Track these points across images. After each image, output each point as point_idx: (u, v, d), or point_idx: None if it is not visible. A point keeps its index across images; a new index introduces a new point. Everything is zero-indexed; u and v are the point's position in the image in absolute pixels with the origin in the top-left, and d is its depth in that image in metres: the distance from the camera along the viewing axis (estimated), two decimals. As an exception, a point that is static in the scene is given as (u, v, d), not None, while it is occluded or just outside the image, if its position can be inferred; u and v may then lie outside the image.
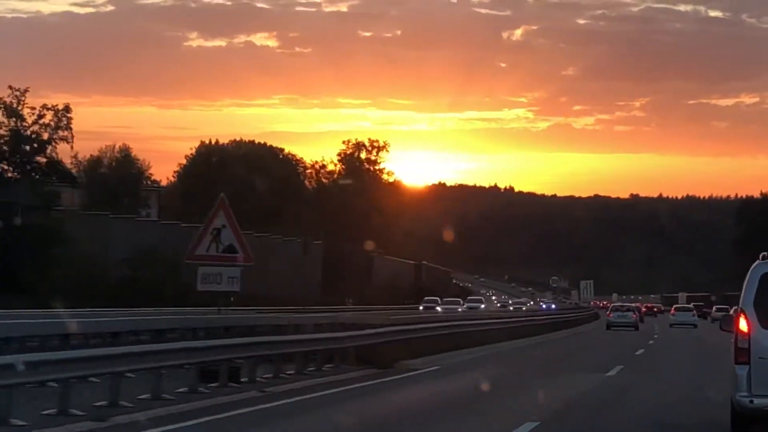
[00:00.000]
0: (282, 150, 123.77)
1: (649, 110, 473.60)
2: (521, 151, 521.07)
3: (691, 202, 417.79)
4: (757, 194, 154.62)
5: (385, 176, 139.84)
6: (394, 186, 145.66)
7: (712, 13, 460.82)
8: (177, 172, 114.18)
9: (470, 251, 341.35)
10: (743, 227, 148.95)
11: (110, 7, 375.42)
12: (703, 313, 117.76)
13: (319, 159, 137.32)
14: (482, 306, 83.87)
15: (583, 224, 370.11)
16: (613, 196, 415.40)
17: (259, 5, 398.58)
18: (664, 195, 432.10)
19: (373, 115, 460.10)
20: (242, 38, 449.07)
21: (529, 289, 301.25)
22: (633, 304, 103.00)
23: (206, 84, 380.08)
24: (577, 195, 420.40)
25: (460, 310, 77.14)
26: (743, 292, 17.73)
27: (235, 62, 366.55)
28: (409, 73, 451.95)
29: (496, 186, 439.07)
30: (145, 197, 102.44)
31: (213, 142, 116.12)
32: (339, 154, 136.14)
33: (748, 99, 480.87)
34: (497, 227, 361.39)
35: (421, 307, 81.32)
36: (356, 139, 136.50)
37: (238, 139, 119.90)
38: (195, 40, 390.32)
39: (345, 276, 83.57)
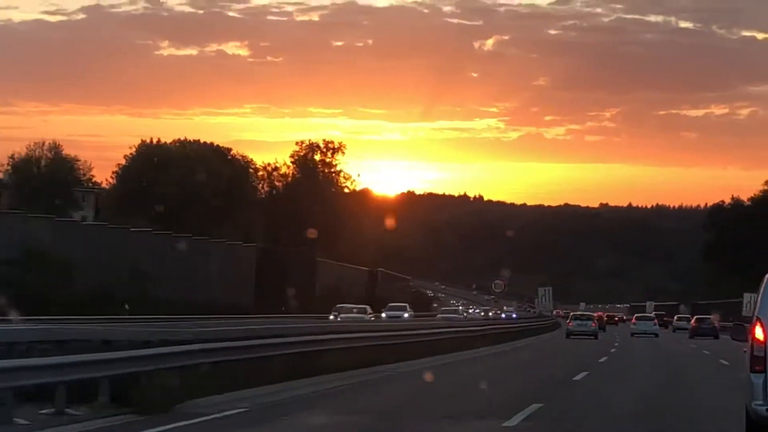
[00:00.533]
0: (230, 150, 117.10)
1: (619, 120, 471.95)
2: (492, 161, 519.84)
3: (660, 211, 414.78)
4: (727, 200, 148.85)
5: (342, 179, 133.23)
6: (358, 193, 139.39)
7: (683, 24, 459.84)
8: (116, 172, 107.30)
9: (438, 260, 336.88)
10: (713, 233, 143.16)
11: (81, 16, 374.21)
12: (664, 322, 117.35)
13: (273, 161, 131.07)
14: (406, 315, 73.42)
15: (552, 233, 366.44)
16: (583, 205, 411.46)
17: (231, 14, 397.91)
18: (634, 204, 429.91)
19: (344, 125, 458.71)
20: (213, 47, 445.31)
21: (492, 297, 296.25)
22: (592, 313, 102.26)
23: (177, 92, 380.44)
24: (546, 204, 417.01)
25: (406, 315, 69.77)
26: (758, 300, 17.66)
27: (206, 71, 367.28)
28: (381, 82, 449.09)
29: (465, 195, 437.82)
30: (77, 198, 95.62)
31: (155, 141, 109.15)
32: (292, 156, 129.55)
33: (718, 110, 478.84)
34: (466, 236, 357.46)
35: (384, 315, 77.21)
36: (309, 140, 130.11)
37: (182, 138, 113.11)
38: (166, 49, 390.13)
39: (285, 282, 76.96)
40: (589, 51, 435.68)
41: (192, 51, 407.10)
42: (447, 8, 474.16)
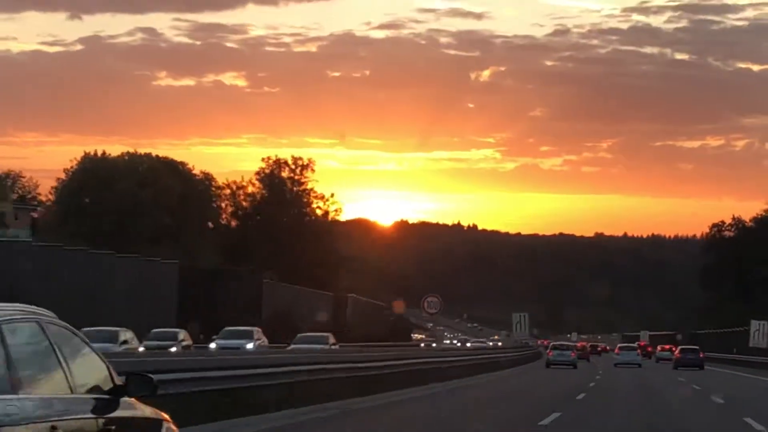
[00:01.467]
0: (184, 164, 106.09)
1: (615, 151, 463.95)
2: (488, 192, 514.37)
3: (656, 241, 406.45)
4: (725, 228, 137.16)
5: (313, 199, 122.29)
6: (352, 222, 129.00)
7: (679, 56, 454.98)
8: (55, 188, 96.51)
9: (429, 289, 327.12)
10: (712, 255, 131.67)
11: (79, 46, 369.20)
12: (647, 352, 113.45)
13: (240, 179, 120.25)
14: (250, 345, 52.66)
15: (546, 263, 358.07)
16: (578, 234, 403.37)
17: (229, 45, 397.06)
18: (629, 234, 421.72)
19: (341, 155, 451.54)
20: (211, 77, 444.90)
21: (476, 325, 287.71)
22: (573, 343, 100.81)
23: (175, 123, 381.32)
24: (541, 233, 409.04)
25: (250, 346, 51.27)
26: None
27: (203, 101, 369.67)
28: (378, 112, 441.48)
29: (459, 224, 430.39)
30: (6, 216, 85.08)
31: (99, 153, 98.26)
32: (258, 173, 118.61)
33: (714, 141, 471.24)
34: (459, 265, 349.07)
35: (212, 345, 61.16)
36: (276, 156, 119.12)
37: (132, 151, 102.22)
38: (164, 79, 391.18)
39: (219, 304, 66.24)
40: (585, 82, 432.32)
41: (190, 81, 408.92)
42: (444, 39, 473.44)
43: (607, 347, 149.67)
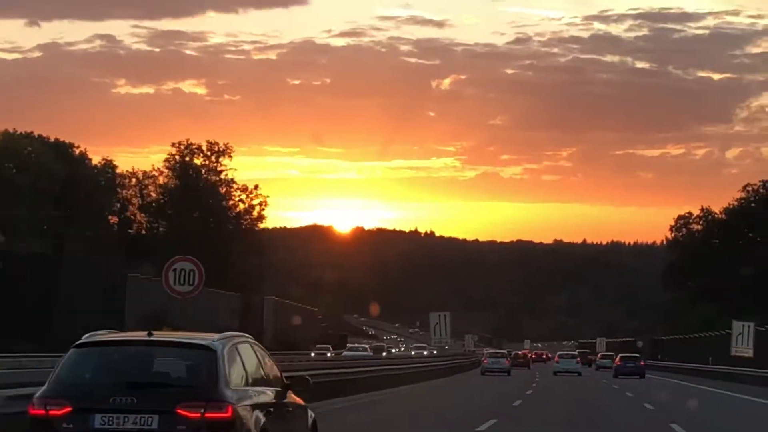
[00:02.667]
0: (73, 145, 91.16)
1: (576, 160, 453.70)
2: (448, 200, 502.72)
3: (615, 247, 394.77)
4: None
5: (234, 192, 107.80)
6: (309, 228, 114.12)
7: (639, 64, 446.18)
8: None
9: (382, 296, 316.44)
10: (677, 252, 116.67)
11: (37, 53, 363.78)
12: (588, 360, 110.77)
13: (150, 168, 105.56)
14: None
15: (503, 270, 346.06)
16: (536, 241, 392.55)
17: (188, 52, 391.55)
18: (589, 241, 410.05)
19: (301, 163, 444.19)
20: (170, 85, 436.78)
21: (417, 329, 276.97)
22: (506, 351, 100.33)
23: (134, 130, 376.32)
24: (499, 240, 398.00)
25: None
26: None
27: (163, 109, 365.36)
28: (338, 121, 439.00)
29: (416, 231, 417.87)
30: None
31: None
32: (166, 160, 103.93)
33: (674, 150, 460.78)
34: (414, 272, 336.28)
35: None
36: (188, 140, 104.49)
37: (10, 130, 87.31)
38: (123, 87, 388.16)
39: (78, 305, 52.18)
40: (546, 91, 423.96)
41: (149, 89, 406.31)
42: (404, 47, 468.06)
43: (549, 355, 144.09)
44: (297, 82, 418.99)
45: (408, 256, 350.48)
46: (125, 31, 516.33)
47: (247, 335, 13.91)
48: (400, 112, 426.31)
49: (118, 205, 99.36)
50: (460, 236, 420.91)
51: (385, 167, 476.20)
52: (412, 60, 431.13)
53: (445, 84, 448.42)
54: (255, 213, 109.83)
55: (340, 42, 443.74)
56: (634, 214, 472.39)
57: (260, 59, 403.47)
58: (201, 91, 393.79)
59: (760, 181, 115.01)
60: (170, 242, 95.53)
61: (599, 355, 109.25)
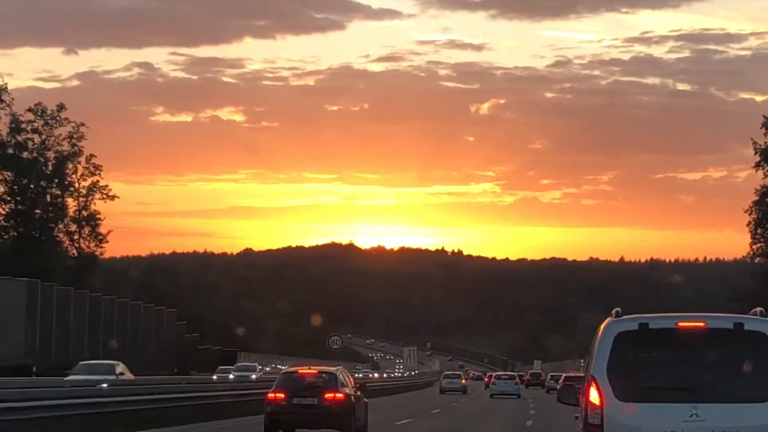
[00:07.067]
0: None
1: (616, 184, 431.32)
2: (487, 226, 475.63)
3: (654, 265, 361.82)
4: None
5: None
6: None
7: (680, 86, 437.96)
8: None
9: (398, 315, 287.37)
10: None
11: (76, 82, 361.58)
12: (540, 381, 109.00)
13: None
14: None
15: (533, 287, 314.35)
16: (570, 258, 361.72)
17: (226, 80, 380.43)
18: (626, 259, 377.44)
19: (339, 190, 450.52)
20: (208, 112, 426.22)
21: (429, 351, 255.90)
22: (461, 372, 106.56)
23: (173, 158, 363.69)
24: (529, 258, 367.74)
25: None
26: (593, 355, 13.53)
27: (201, 136, 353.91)
28: (377, 146, 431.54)
29: (443, 249, 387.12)
30: None
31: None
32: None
33: (716, 173, 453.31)
34: (436, 292, 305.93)
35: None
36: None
37: None
38: (161, 115, 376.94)
39: None
40: (586, 114, 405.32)
41: (187, 117, 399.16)
42: (443, 72, 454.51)
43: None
44: (335, 108, 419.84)
45: (430, 275, 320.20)
46: (163, 58, 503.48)
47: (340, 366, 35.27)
48: (439, 136, 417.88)
49: None
50: (489, 255, 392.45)
51: (423, 193, 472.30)
52: (451, 84, 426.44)
53: (484, 108, 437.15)
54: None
55: (378, 67, 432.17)
56: (674, 238, 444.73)
57: (298, 85, 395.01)
58: (239, 118, 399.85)
59: None
60: None
61: (549, 375, 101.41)
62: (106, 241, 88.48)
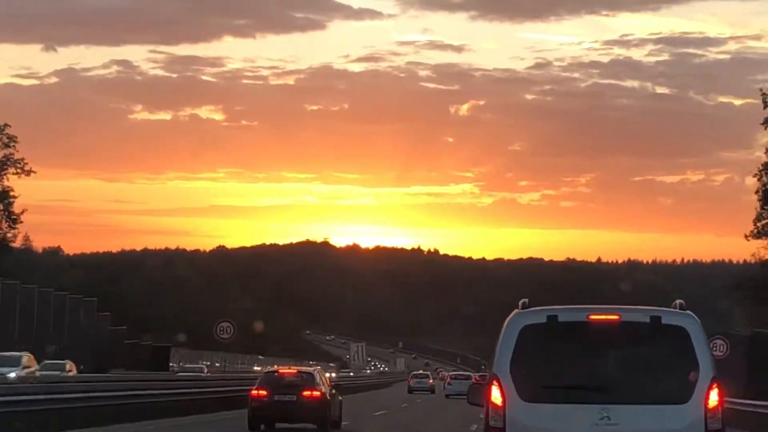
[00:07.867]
0: None
1: (594, 186, 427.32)
2: (465, 227, 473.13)
3: (632, 266, 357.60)
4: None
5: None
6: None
7: (659, 90, 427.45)
8: None
9: (371, 313, 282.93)
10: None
11: (54, 79, 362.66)
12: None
13: None
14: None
15: (507, 288, 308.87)
16: (547, 258, 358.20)
17: (205, 78, 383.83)
18: (604, 260, 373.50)
19: (318, 190, 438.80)
20: (188, 111, 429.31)
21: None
22: (428, 372, 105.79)
23: (151, 157, 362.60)
24: (506, 258, 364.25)
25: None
26: (496, 351, 12.56)
27: (180, 135, 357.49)
28: (356, 146, 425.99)
29: (419, 249, 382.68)
30: None
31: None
32: None
33: (694, 176, 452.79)
34: (410, 291, 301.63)
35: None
36: None
37: None
38: (140, 113, 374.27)
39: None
40: (565, 116, 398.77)
41: (166, 115, 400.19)
42: (423, 73, 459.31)
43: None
44: (315, 107, 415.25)
45: (405, 274, 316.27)
46: (142, 56, 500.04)
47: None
48: (418, 137, 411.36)
49: None
50: (466, 255, 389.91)
51: (402, 193, 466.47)
52: (431, 85, 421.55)
53: (464, 109, 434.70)
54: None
55: (358, 67, 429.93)
56: (653, 241, 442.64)
57: (278, 84, 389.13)
58: (218, 117, 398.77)
59: None
60: None
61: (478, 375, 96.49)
62: (20, 222, 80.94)
